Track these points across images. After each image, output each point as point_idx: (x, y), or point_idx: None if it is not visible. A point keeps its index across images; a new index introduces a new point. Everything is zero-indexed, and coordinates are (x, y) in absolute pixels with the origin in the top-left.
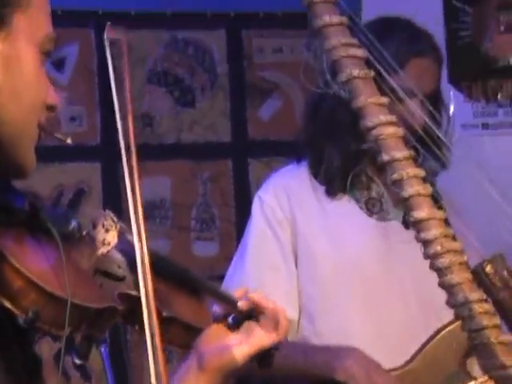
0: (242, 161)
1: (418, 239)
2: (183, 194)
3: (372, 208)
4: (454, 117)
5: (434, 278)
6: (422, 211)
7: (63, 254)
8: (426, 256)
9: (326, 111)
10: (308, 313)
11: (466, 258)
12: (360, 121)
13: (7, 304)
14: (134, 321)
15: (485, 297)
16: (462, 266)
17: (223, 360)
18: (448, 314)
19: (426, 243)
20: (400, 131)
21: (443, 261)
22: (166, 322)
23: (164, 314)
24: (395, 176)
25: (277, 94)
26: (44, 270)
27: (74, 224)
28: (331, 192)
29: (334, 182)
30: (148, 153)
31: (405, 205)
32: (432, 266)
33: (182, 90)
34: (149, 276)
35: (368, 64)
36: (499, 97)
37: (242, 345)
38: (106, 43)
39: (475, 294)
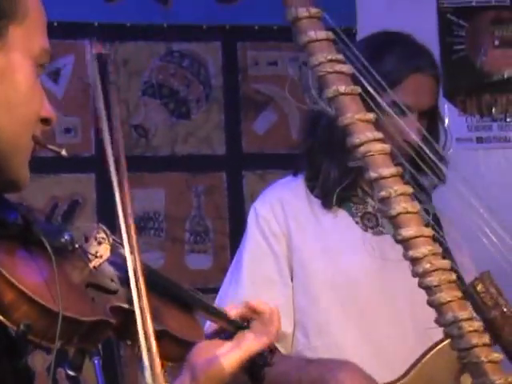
0: (236, 173)
1: (407, 257)
2: (177, 206)
3: (367, 222)
4: (449, 131)
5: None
6: (410, 229)
7: (56, 266)
8: (415, 274)
9: (323, 127)
10: (302, 327)
11: (454, 276)
12: (347, 138)
13: None
14: (126, 335)
15: (474, 315)
16: (451, 285)
17: (214, 370)
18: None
19: (414, 261)
20: (387, 148)
21: (432, 279)
22: (157, 336)
23: (156, 327)
24: (383, 193)
25: (271, 107)
26: (36, 283)
27: (66, 237)
28: (327, 205)
29: (330, 195)
30: (142, 165)
31: (392, 222)
32: (421, 285)
33: (177, 102)
34: (143, 288)
35: (362, 80)
36: (493, 111)
37: (232, 352)
38: (93, 58)
39: (464, 313)
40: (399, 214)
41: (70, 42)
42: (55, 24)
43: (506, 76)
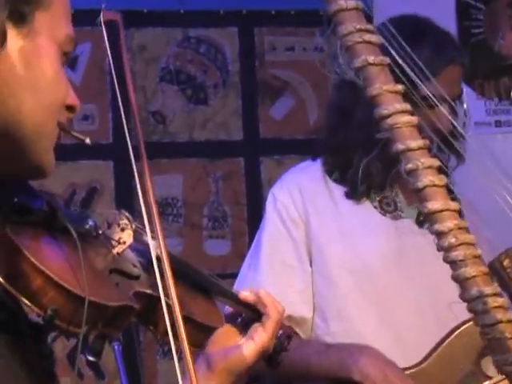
0: (253, 159)
1: (432, 231)
2: (195, 192)
3: (386, 207)
4: (469, 113)
5: (447, 277)
6: (437, 202)
7: (81, 252)
8: (440, 248)
9: (358, 122)
10: (321, 312)
11: (479, 251)
12: (374, 109)
13: (26, 302)
14: (148, 321)
15: (499, 291)
16: (476, 259)
17: (231, 360)
18: (462, 314)
19: (439, 235)
20: (415, 120)
21: (457, 253)
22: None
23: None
24: (410, 166)
25: (289, 92)
26: (63, 268)
27: (90, 223)
28: (355, 197)
29: (359, 188)
30: (160, 151)
31: (419, 195)
32: (446, 259)
33: (195, 88)
34: (169, 274)
35: (400, 71)
36: None
37: (249, 344)
38: (102, 25)
39: (489, 288)
40: (426, 186)
41: (86, 30)
42: (72, 11)
43: None
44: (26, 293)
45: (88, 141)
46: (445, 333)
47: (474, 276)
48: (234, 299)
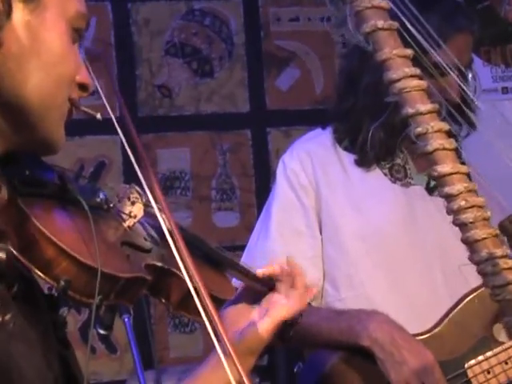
0: (260, 130)
1: (442, 194)
2: (203, 164)
3: (396, 174)
4: (479, 81)
5: (458, 243)
6: (447, 165)
7: (93, 224)
8: (450, 211)
9: (366, 87)
10: (332, 278)
11: (489, 213)
12: (384, 73)
13: (39, 273)
14: (160, 293)
15: (509, 252)
16: (486, 222)
17: (248, 339)
18: (474, 280)
19: (449, 198)
20: (424, 84)
21: (467, 216)
22: (190, 294)
23: (187, 285)
24: (419, 129)
25: (294, 63)
26: (75, 239)
27: (101, 196)
28: (363, 164)
29: (368, 154)
30: (167, 124)
31: (428, 159)
32: (455, 222)
33: (200, 60)
34: (182, 246)
35: (409, 37)
36: None
37: (265, 319)
38: None
39: (499, 250)
40: (436, 150)
41: (91, 4)
42: None
43: None
44: (39, 264)
45: (99, 116)
46: (455, 298)
47: (484, 238)
48: (246, 272)
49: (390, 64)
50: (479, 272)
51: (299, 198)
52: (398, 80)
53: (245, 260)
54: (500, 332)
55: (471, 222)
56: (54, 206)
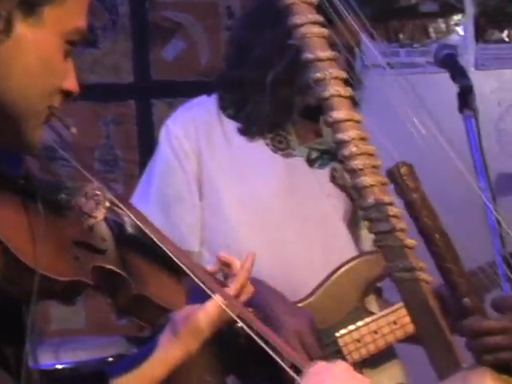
0: (145, 102)
1: (335, 140)
2: (86, 135)
3: (278, 145)
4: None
5: (335, 214)
6: (341, 112)
7: (47, 222)
8: (341, 157)
9: (257, 58)
10: (210, 245)
11: (379, 162)
12: (288, 18)
13: None
14: (107, 294)
15: (394, 200)
16: (375, 170)
17: (194, 323)
18: (349, 252)
19: (341, 144)
20: (325, 32)
21: (357, 163)
22: (136, 299)
23: (135, 292)
24: (317, 75)
25: (180, 34)
26: (20, 236)
27: (63, 195)
28: (249, 134)
29: (254, 126)
30: None
31: (324, 104)
32: (346, 167)
33: None
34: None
35: None
36: (401, 37)
37: (212, 303)
38: None
39: (386, 197)
40: (332, 96)
41: None
42: None
43: (412, 1)
44: None
45: (74, 130)
46: (330, 269)
47: (372, 185)
48: (202, 273)
49: (295, 9)
50: (365, 218)
51: (181, 165)
52: (301, 25)
53: None
54: (372, 303)
55: (360, 169)
56: (11, 200)
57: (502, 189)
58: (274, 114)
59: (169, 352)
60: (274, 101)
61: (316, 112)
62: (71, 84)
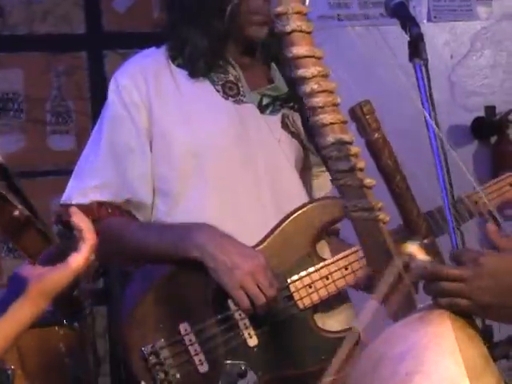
0: (97, 53)
1: (295, 75)
2: (37, 86)
3: (229, 91)
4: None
5: (286, 161)
6: (302, 48)
7: None
8: (302, 94)
9: None
10: (163, 194)
11: (339, 99)
12: None
13: None
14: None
15: (354, 139)
16: (336, 108)
17: (45, 284)
18: (300, 199)
19: (302, 80)
20: None
21: (318, 100)
22: (24, 225)
23: (25, 213)
24: (280, 9)
25: None
26: None
27: None
28: (194, 74)
29: (197, 64)
30: None
31: (285, 39)
32: (307, 104)
33: None
34: None
35: None
36: None
37: (63, 267)
38: None
39: (345, 136)
40: (293, 31)
41: None
42: None
43: None
44: None
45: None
46: (282, 215)
47: (332, 123)
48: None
49: None
50: (324, 156)
51: (131, 115)
52: None
53: (74, 179)
54: (323, 249)
55: (321, 107)
56: None
57: (454, 140)
58: (212, 46)
59: (20, 312)
60: (209, 33)
61: (255, 45)
62: None
